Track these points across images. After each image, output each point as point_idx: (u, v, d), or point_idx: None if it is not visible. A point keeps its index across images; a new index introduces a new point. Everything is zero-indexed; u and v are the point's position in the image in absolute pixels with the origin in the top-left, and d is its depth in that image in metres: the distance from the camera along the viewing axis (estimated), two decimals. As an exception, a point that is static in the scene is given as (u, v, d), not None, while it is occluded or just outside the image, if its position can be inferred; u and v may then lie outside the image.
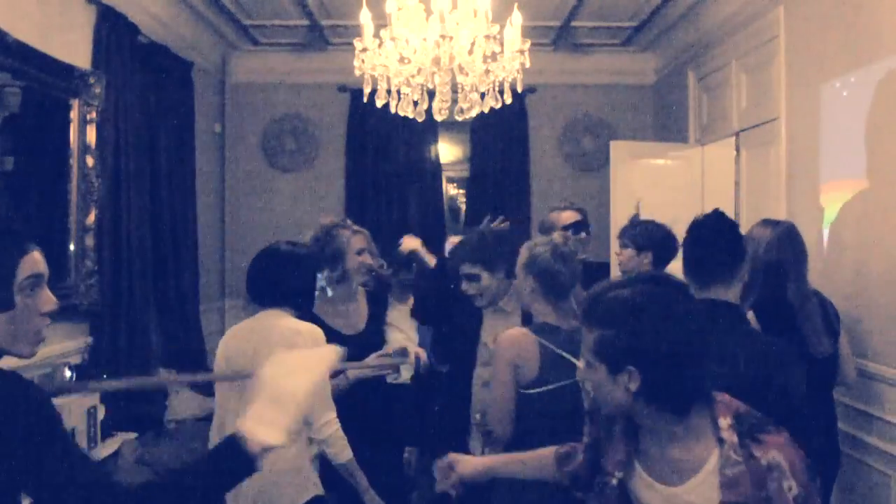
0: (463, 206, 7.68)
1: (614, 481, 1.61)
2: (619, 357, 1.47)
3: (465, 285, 2.87)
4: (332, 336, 2.69)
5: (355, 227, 3.25)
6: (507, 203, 5.90)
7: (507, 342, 2.45)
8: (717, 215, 2.26)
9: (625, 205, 5.15)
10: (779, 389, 1.94)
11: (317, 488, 2.56)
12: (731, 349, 1.95)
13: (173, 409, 4.02)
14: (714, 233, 2.20)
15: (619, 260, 3.42)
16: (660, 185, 5.28)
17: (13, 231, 1.51)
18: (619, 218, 4.91)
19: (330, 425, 2.51)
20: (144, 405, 3.89)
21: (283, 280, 2.58)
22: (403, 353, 3.13)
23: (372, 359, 2.83)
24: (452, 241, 3.98)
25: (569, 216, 3.88)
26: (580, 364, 1.60)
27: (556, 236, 2.65)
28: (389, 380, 3.22)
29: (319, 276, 2.95)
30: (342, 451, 2.54)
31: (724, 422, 1.48)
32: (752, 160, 4.45)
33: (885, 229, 3.00)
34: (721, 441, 1.47)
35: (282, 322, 2.50)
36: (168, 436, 3.83)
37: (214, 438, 2.52)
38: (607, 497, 1.62)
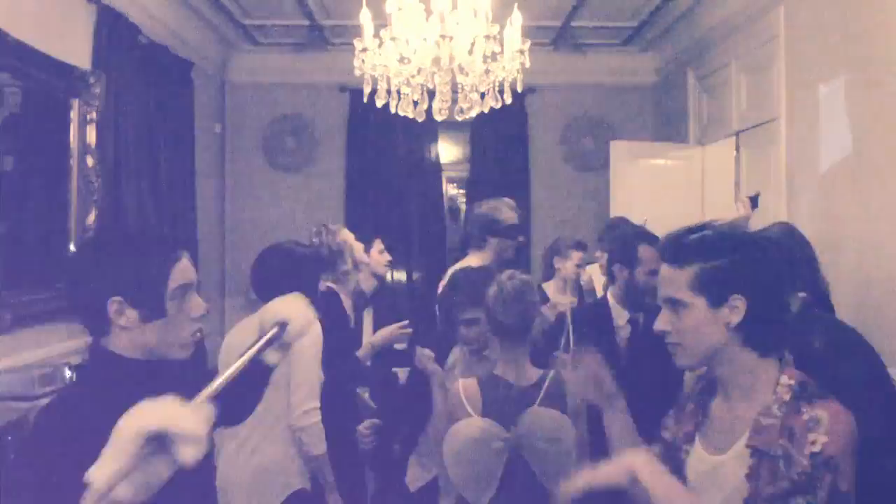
0: (463, 207, 7.68)
1: (684, 455, 1.58)
2: (724, 287, 1.47)
3: (463, 331, 2.56)
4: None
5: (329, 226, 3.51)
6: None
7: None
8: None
9: (625, 205, 5.15)
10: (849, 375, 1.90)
11: (303, 480, 2.58)
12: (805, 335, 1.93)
13: (173, 409, 4.02)
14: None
15: (601, 263, 3.46)
16: (660, 185, 5.28)
17: (163, 239, 1.58)
18: (619, 218, 4.91)
19: (311, 415, 2.51)
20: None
21: (287, 276, 2.59)
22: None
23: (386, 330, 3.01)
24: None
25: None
26: (660, 318, 1.56)
27: (504, 276, 2.35)
28: (397, 346, 3.29)
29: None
30: (317, 445, 2.53)
31: (787, 380, 1.48)
32: (752, 160, 4.45)
33: (885, 229, 3.00)
34: (775, 394, 1.47)
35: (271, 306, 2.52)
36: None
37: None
38: (675, 471, 1.55)
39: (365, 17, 3.17)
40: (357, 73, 3.20)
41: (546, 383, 2.26)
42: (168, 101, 4.61)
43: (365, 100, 3.33)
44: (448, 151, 7.02)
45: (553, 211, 6.13)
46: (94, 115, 3.58)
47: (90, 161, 3.57)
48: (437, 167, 6.32)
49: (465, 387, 2.28)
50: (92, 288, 1.44)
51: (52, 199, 3.46)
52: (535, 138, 6.23)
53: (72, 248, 3.50)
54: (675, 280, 1.51)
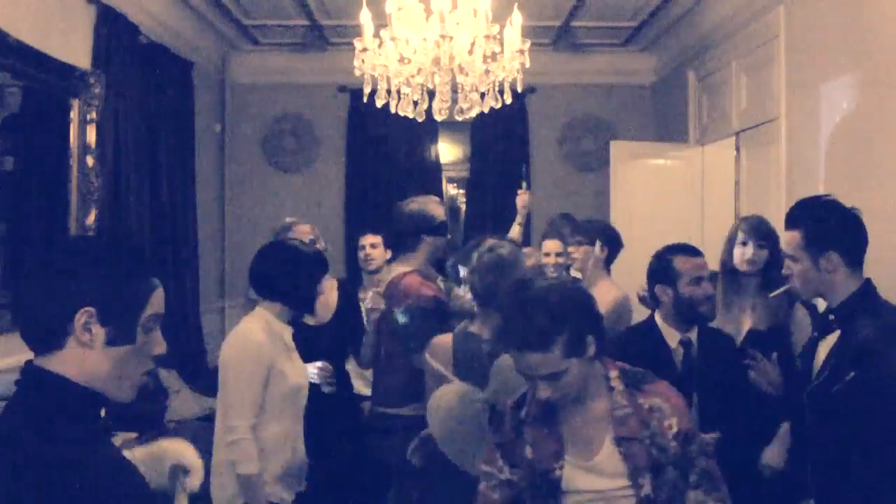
0: (463, 206, 7.68)
1: (558, 473, 1.75)
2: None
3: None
4: (297, 328, 2.72)
5: (295, 220, 3.71)
6: (507, 203, 5.89)
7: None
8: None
9: (625, 205, 5.15)
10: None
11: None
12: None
13: (173, 409, 4.02)
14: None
15: (574, 258, 3.44)
16: (660, 185, 5.29)
17: (147, 264, 1.43)
18: (618, 218, 4.91)
19: (232, 432, 2.42)
20: (144, 405, 3.89)
21: (286, 275, 2.60)
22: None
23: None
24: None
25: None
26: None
27: (484, 247, 2.50)
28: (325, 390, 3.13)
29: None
30: (244, 464, 2.41)
31: (613, 373, 1.79)
32: (752, 160, 4.45)
33: (886, 230, 2.99)
34: (611, 389, 1.77)
35: (244, 324, 2.58)
36: (168, 436, 3.83)
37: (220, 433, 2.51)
38: (550, 493, 1.75)
39: (365, 17, 3.17)
40: (357, 73, 3.20)
41: None
42: (168, 101, 4.61)
43: (365, 100, 3.33)
44: (448, 151, 7.02)
45: (553, 211, 6.11)
46: (94, 115, 3.58)
47: (90, 161, 3.57)
48: (437, 167, 6.32)
49: (440, 342, 2.49)
50: (60, 293, 1.24)
51: (52, 199, 3.46)
52: (535, 138, 6.22)
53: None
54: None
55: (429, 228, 3.13)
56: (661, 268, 2.65)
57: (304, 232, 3.63)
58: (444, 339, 2.51)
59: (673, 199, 5.12)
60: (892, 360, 1.97)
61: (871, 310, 2.15)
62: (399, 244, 3.28)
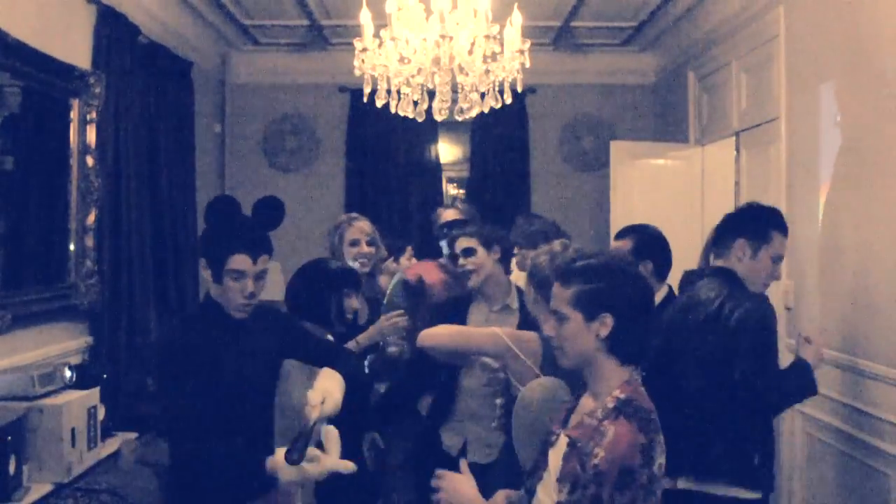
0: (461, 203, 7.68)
1: (554, 438, 1.88)
2: (596, 305, 1.78)
3: (461, 261, 2.97)
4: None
5: (353, 216, 3.50)
6: (507, 203, 5.90)
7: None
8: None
9: (625, 205, 5.15)
10: None
11: None
12: None
13: (173, 409, 4.02)
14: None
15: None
16: (660, 185, 5.29)
17: (235, 240, 2.17)
18: (618, 218, 4.92)
19: None
20: (144, 405, 3.89)
21: (310, 295, 2.79)
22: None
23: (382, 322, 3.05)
24: (444, 214, 3.79)
25: (449, 214, 3.81)
26: (547, 323, 1.89)
27: (557, 245, 2.56)
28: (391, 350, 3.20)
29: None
30: None
31: (618, 392, 1.76)
32: (752, 160, 4.45)
33: (885, 230, 3.00)
34: (606, 404, 1.76)
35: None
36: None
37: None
38: (542, 452, 1.90)
39: (365, 17, 3.17)
40: (357, 73, 3.20)
41: None
42: (168, 101, 4.61)
43: (365, 100, 3.33)
44: (448, 151, 7.02)
45: (553, 211, 6.12)
46: (94, 115, 3.57)
47: (90, 161, 3.57)
48: (437, 167, 6.32)
49: (528, 338, 2.45)
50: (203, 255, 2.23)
51: (52, 199, 3.46)
52: (535, 138, 6.22)
53: (72, 247, 3.51)
54: (559, 296, 1.83)
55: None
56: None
57: (361, 229, 3.48)
58: (532, 336, 2.47)
59: (673, 199, 5.12)
60: None
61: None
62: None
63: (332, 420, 2.15)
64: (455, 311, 3.00)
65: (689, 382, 2.64)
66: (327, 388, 2.15)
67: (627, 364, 1.82)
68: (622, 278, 1.81)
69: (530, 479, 1.94)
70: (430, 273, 3.44)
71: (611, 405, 1.74)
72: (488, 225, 3.13)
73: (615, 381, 1.79)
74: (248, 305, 2.17)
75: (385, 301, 3.45)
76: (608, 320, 1.77)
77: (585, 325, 1.79)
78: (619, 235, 3.23)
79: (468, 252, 2.97)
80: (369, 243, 3.42)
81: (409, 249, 3.98)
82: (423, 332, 2.61)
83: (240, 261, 2.12)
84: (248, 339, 2.22)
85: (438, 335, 2.58)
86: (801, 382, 2.62)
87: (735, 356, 2.52)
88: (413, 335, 2.80)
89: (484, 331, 2.56)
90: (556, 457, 1.81)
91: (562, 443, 1.80)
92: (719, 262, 2.80)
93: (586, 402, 1.86)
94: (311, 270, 2.90)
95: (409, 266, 3.73)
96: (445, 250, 3.41)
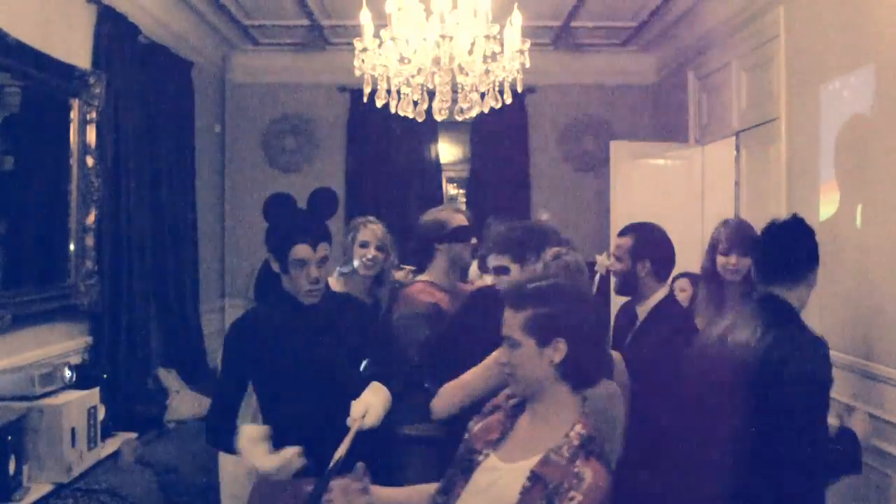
0: (463, 207, 7.68)
1: (481, 458, 1.79)
2: (549, 331, 1.72)
3: (493, 279, 2.70)
4: None
5: (370, 219, 3.37)
6: (507, 203, 5.90)
7: None
8: (798, 220, 2.42)
9: (625, 205, 5.15)
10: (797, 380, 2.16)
11: None
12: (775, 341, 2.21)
13: (173, 409, 4.02)
14: (790, 236, 2.41)
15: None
16: (660, 185, 5.28)
17: (298, 233, 2.23)
18: (618, 218, 4.91)
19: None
20: (144, 405, 3.89)
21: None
22: None
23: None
24: (454, 218, 3.19)
25: (458, 219, 3.57)
26: (500, 351, 1.81)
27: (548, 254, 2.49)
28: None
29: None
30: None
31: (580, 428, 1.71)
32: (752, 160, 4.45)
33: (887, 230, 3.00)
34: (567, 436, 1.70)
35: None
36: (168, 436, 3.83)
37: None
38: (464, 471, 1.80)
39: (365, 17, 3.17)
40: (357, 73, 3.20)
41: None
42: (168, 101, 4.61)
43: (365, 100, 3.33)
44: (448, 151, 7.02)
45: (553, 211, 6.12)
46: (94, 115, 3.57)
47: (90, 161, 3.57)
48: (437, 167, 6.32)
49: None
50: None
51: (52, 199, 3.46)
52: (535, 138, 6.22)
53: (72, 247, 3.51)
54: (511, 322, 1.76)
55: (439, 237, 3.04)
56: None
57: (373, 232, 3.31)
58: None
59: (673, 199, 5.12)
60: None
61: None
62: (412, 257, 3.25)
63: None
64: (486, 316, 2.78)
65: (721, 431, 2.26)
66: (371, 402, 2.15)
67: (577, 391, 1.77)
68: (575, 302, 1.77)
69: (443, 496, 1.83)
70: (434, 296, 3.06)
71: (576, 443, 1.68)
72: (514, 238, 2.76)
73: (568, 410, 1.75)
74: (314, 290, 2.26)
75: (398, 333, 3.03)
76: (561, 345, 1.72)
77: (538, 351, 1.73)
78: (622, 233, 3.16)
79: (502, 270, 2.66)
80: (379, 248, 3.29)
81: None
82: (432, 405, 2.48)
83: (301, 250, 2.22)
84: (322, 323, 2.30)
85: (448, 398, 2.45)
86: (846, 458, 2.28)
87: (782, 414, 2.17)
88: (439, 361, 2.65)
89: (486, 364, 2.37)
90: (485, 479, 1.74)
91: (503, 470, 1.71)
92: (778, 291, 2.36)
93: (525, 426, 1.79)
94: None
95: (406, 282, 3.36)
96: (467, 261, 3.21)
